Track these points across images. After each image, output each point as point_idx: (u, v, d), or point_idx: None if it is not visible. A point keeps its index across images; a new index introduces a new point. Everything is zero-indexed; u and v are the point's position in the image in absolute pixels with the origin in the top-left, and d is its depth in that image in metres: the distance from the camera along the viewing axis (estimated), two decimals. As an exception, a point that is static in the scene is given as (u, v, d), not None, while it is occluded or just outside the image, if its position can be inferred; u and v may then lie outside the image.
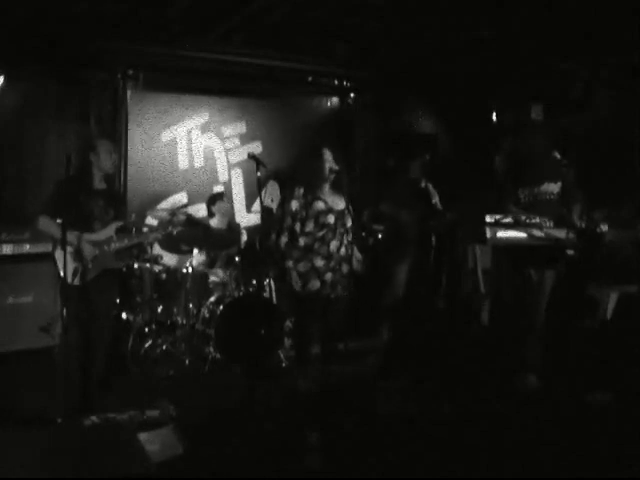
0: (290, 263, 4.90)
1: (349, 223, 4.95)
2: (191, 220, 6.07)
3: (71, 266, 4.63)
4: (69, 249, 4.57)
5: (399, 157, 6.99)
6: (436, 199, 6.69)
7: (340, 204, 4.96)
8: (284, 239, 4.91)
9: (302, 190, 4.95)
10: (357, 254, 5.10)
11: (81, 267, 4.75)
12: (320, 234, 4.87)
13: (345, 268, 4.93)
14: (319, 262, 4.86)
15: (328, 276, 4.87)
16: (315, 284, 4.87)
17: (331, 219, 4.86)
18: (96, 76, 6.91)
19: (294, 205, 4.92)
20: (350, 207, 4.94)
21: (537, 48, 6.62)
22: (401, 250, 6.59)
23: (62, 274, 4.60)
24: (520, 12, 6.03)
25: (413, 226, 6.61)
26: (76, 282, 4.71)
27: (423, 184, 6.89)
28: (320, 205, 4.90)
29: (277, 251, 5.01)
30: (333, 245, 4.88)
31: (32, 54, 6.35)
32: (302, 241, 4.89)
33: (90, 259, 4.80)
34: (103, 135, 6.33)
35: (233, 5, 6.09)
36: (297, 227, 4.90)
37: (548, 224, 5.14)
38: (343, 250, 4.91)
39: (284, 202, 5.05)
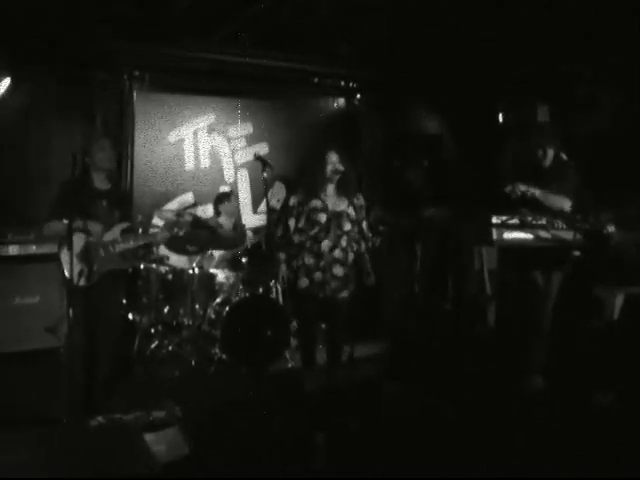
0: (282, 257, 4.96)
1: (347, 226, 4.95)
2: (198, 222, 6.08)
3: (77, 267, 4.64)
4: (75, 250, 4.58)
5: (399, 159, 6.99)
6: (430, 201, 6.70)
7: (342, 206, 4.96)
8: (279, 232, 4.97)
9: (304, 188, 4.98)
10: (366, 258, 5.09)
11: (87, 268, 4.75)
12: (312, 232, 4.89)
13: (338, 270, 4.93)
14: (309, 260, 4.89)
15: (317, 275, 4.89)
16: (304, 282, 4.90)
17: (323, 218, 4.88)
18: (102, 77, 6.92)
19: (292, 200, 4.97)
20: (352, 210, 4.94)
21: (541, 49, 6.61)
22: (393, 252, 6.59)
23: (68, 275, 4.61)
24: (522, 12, 6.02)
25: (404, 228, 6.62)
26: (81, 283, 4.71)
27: (415, 186, 6.90)
28: (316, 203, 4.93)
29: (273, 244, 5.08)
30: (325, 245, 4.89)
31: (37, 55, 6.36)
32: (296, 238, 4.93)
33: (95, 260, 4.80)
34: (100, 135, 6.33)
35: (238, 6, 6.10)
36: (292, 222, 4.95)
37: (556, 225, 5.13)
38: (338, 252, 4.91)
39: (286, 199, 5.12)
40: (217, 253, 6.80)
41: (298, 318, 5.54)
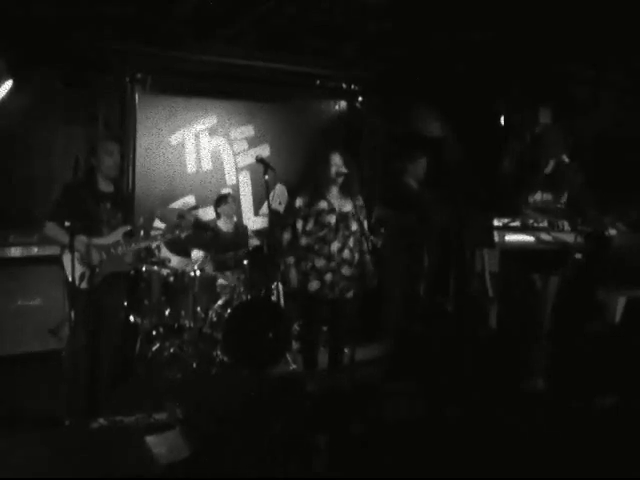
0: (291, 261, 4.96)
1: (354, 227, 4.96)
2: (199, 224, 6.08)
3: (79, 270, 4.64)
4: (77, 253, 4.57)
5: (397, 160, 7.01)
6: (429, 201, 6.69)
7: (347, 207, 4.97)
8: (287, 236, 4.97)
9: (309, 190, 4.99)
10: (367, 258, 5.11)
11: (88, 271, 4.75)
12: (321, 234, 4.90)
13: (347, 270, 4.94)
14: (320, 262, 4.90)
15: (328, 277, 4.90)
16: (314, 284, 4.90)
17: (332, 219, 4.89)
18: (104, 79, 6.92)
19: (298, 202, 4.98)
20: (357, 211, 4.95)
21: (543, 49, 6.61)
22: (394, 253, 6.60)
23: (70, 278, 4.61)
24: (523, 13, 6.02)
25: (405, 229, 6.62)
26: (83, 286, 4.71)
27: (415, 186, 6.90)
28: (323, 205, 4.93)
29: (280, 248, 5.09)
30: (334, 246, 4.90)
31: (40, 57, 6.36)
32: (304, 240, 4.93)
33: (97, 263, 4.79)
34: (106, 137, 6.33)
35: (240, 8, 6.10)
36: (299, 225, 4.96)
37: (559, 226, 5.13)
38: (346, 252, 4.92)
39: (291, 201, 5.14)
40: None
41: (304, 321, 5.55)
